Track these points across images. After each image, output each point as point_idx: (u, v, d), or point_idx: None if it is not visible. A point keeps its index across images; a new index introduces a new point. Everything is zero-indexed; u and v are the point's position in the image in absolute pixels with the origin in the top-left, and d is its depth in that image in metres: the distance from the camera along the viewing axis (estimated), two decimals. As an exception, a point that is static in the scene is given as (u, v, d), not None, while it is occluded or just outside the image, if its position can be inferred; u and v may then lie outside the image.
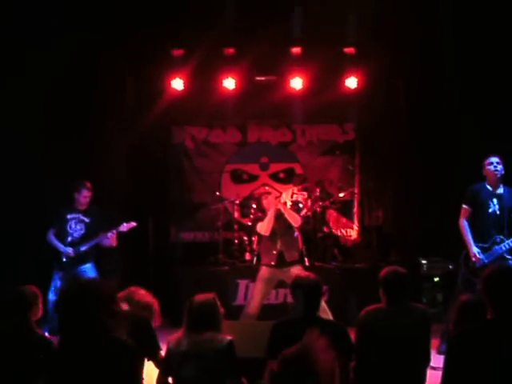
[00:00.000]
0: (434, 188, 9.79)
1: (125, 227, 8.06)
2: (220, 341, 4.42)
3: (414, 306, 4.83)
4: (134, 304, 4.77)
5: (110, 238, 8.03)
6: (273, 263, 7.57)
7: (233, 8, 9.24)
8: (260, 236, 8.02)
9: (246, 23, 9.31)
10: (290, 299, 4.87)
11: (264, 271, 7.61)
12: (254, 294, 7.71)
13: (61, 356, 3.62)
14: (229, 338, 4.46)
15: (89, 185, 8.20)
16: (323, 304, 7.10)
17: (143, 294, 4.91)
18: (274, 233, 7.65)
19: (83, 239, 8.09)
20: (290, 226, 7.69)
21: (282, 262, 7.55)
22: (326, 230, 10.50)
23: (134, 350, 3.59)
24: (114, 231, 8.00)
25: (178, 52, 9.73)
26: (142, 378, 4.06)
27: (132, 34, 9.12)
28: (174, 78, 9.89)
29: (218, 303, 4.60)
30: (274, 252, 7.60)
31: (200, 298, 4.59)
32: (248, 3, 9.22)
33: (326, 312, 6.99)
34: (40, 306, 4.70)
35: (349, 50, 9.78)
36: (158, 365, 4.67)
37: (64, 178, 8.64)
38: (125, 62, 9.65)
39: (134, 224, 8.15)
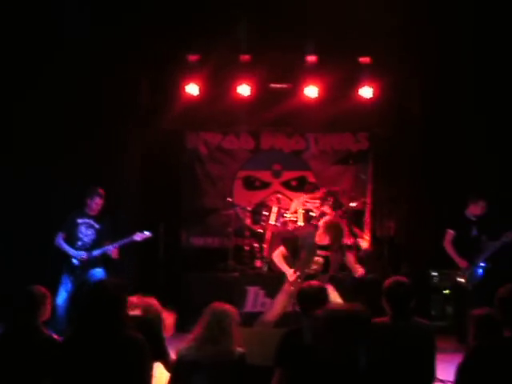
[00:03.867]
0: (446, 200, 9.75)
1: (138, 236, 8.06)
2: (233, 353, 4.41)
3: (418, 321, 4.77)
4: (146, 311, 4.76)
5: (112, 252, 8.03)
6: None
7: (248, 15, 9.26)
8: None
9: (262, 30, 9.33)
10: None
11: (289, 285, 7.51)
12: (276, 304, 7.65)
13: (72, 353, 3.76)
14: (241, 350, 4.45)
15: (102, 191, 8.24)
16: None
17: (157, 308, 4.88)
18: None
19: (94, 244, 8.11)
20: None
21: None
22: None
23: (146, 346, 3.68)
24: (116, 245, 7.99)
25: (193, 57, 9.73)
26: (152, 376, 4.04)
27: (147, 38, 9.15)
28: (189, 84, 9.88)
29: (236, 314, 4.59)
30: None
31: (219, 308, 4.57)
32: (264, 10, 9.22)
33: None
34: (48, 306, 4.70)
35: (364, 59, 9.76)
36: (167, 367, 4.64)
37: (76, 184, 8.69)
38: (139, 67, 9.68)
39: (148, 234, 8.15)
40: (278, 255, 7.58)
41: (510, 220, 8.26)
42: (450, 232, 8.40)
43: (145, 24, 8.94)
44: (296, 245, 7.56)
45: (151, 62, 9.69)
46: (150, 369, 3.96)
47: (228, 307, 4.60)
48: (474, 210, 8.36)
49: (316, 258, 7.42)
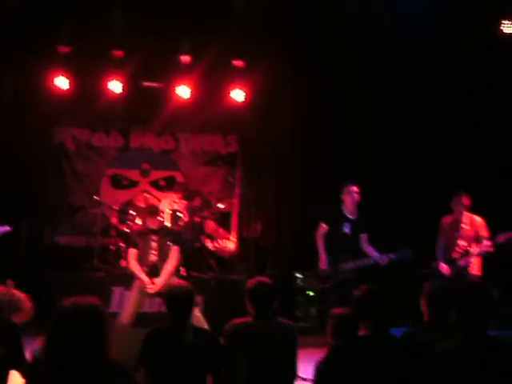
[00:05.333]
0: (311, 203, 10.01)
1: None
2: None
3: (281, 321, 4.85)
4: (4, 303, 4.57)
5: None
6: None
7: (121, 10, 9.14)
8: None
9: (136, 26, 9.23)
10: (164, 308, 4.80)
11: (139, 282, 7.48)
12: (128, 303, 7.59)
13: None
14: None
15: None
16: (198, 314, 7.09)
17: (12, 293, 4.70)
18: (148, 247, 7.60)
19: None
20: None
21: (155, 273, 7.47)
22: (203, 240, 10.50)
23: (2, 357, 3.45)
24: None
25: (64, 49, 9.45)
26: None
27: (15, 27, 8.83)
28: (58, 76, 9.59)
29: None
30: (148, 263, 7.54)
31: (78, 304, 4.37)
32: (139, 6, 9.14)
33: (201, 322, 6.98)
34: None
35: (237, 62, 9.86)
36: (23, 375, 4.46)
37: None
38: (5, 54, 9.28)
39: (8, 228, 7.85)
40: (131, 258, 7.59)
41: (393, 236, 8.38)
42: (323, 225, 8.03)
43: (16, 11, 8.63)
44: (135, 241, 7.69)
45: (20, 52, 9.33)
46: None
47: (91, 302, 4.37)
48: (348, 199, 7.96)
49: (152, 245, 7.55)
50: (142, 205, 10.11)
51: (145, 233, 7.68)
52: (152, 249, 7.55)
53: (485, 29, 8.89)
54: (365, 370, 3.74)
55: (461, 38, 8.93)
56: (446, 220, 8.14)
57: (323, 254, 7.93)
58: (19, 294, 4.74)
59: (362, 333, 3.95)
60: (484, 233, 7.83)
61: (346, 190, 7.97)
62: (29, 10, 8.72)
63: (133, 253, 7.57)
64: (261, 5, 9.00)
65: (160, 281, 7.33)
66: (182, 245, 7.85)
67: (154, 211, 7.76)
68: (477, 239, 7.84)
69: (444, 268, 7.89)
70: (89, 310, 3.21)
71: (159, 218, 7.83)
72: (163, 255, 7.51)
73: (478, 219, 7.95)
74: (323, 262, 7.92)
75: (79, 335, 3.15)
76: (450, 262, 7.90)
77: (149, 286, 7.34)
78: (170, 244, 7.53)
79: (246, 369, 4.63)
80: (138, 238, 7.68)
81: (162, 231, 7.68)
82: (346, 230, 7.96)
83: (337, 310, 4.73)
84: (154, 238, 7.57)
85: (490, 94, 9.46)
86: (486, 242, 7.70)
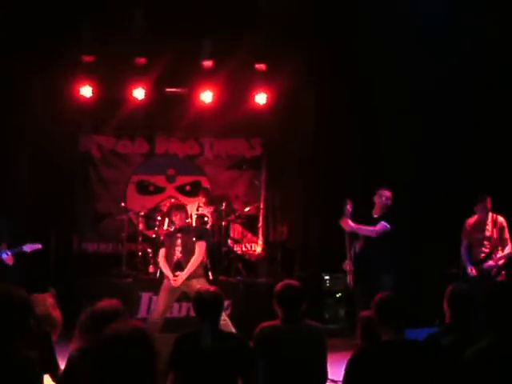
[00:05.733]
0: (338, 204, 9.98)
1: (28, 248, 7.81)
2: None
3: (309, 323, 4.82)
4: (41, 316, 4.61)
5: (6, 259, 7.72)
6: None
7: (142, 17, 9.20)
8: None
9: (158, 33, 9.28)
10: (192, 313, 4.82)
11: (167, 282, 7.55)
12: (158, 303, 7.68)
13: None
14: None
15: None
16: (226, 318, 7.10)
17: (45, 306, 4.74)
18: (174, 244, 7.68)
19: None
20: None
21: (180, 269, 7.50)
22: (230, 244, 10.53)
23: (35, 365, 3.45)
24: (10, 253, 7.72)
25: (88, 58, 9.56)
26: None
27: (41, 38, 8.93)
28: (84, 85, 9.71)
29: (125, 312, 4.43)
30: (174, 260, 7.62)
31: (104, 306, 4.40)
32: (158, 13, 9.19)
33: (228, 326, 7.00)
34: None
35: (260, 66, 9.88)
36: (55, 379, 4.52)
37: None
38: (32, 66, 9.39)
39: (38, 246, 7.91)
40: (160, 257, 7.75)
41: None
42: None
43: (40, 23, 8.72)
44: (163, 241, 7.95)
45: (45, 62, 9.43)
46: None
47: (114, 304, 4.41)
48: (378, 202, 7.82)
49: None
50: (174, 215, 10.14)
51: (171, 233, 7.82)
52: (177, 246, 7.65)
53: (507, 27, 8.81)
54: (390, 372, 3.73)
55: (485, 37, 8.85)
56: (470, 221, 8.16)
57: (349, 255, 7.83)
58: (56, 312, 4.77)
59: (384, 338, 3.94)
60: (507, 234, 7.86)
61: (378, 192, 7.88)
62: (53, 22, 8.80)
63: (162, 252, 7.75)
64: (282, 8, 8.99)
65: (183, 274, 7.43)
66: (207, 240, 7.94)
67: (179, 207, 7.99)
68: (501, 241, 7.87)
69: (471, 270, 7.90)
70: (135, 341, 2.82)
71: (185, 214, 7.89)
72: (187, 252, 7.57)
73: (501, 219, 7.96)
74: (349, 263, 7.80)
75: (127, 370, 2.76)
76: (476, 264, 7.92)
77: (173, 279, 7.44)
78: (195, 240, 7.60)
79: (274, 372, 4.63)
80: (165, 238, 7.86)
81: (186, 229, 7.76)
82: None
83: (366, 312, 4.72)
84: (179, 235, 7.67)
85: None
86: (508, 247, 7.80)
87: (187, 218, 8.02)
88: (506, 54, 9.07)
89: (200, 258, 7.59)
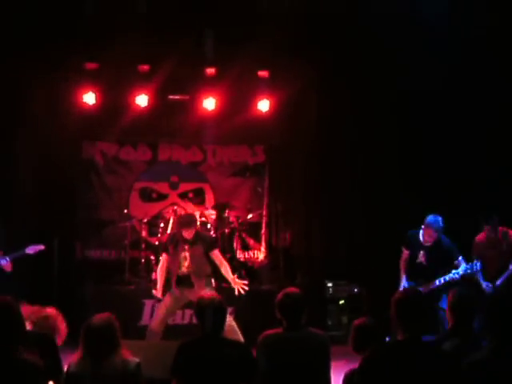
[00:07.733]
0: (340, 211, 9.99)
1: (31, 250, 7.80)
2: (127, 363, 4.28)
3: (312, 331, 4.82)
4: (38, 324, 4.62)
5: (5, 266, 7.71)
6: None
7: (144, 25, 9.23)
8: None
9: (161, 40, 9.31)
10: (195, 320, 4.82)
11: (175, 289, 7.52)
12: (159, 308, 7.65)
13: None
14: (136, 360, 4.34)
15: None
16: (233, 324, 7.11)
17: (47, 315, 4.75)
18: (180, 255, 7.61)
19: None
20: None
21: (188, 283, 7.49)
22: (233, 251, 10.51)
23: (40, 370, 3.48)
24: (9, 259, 7.70)
25: (91, 65, 9.60)
26: None
27: (44, 44, 8.95)
28: (87, 92, 9.73)
29: (116, 323, 4.44)
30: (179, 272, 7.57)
31: (97, 320, 4.42)
32: (160, 19, 9.22)
33: (235, 332, 7.00)
34: None
35: (262, 73, 9.90)
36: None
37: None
38: (34, 73, 9.41)
39: (41, 247, 7.92)
40: (161, 265, 7.75)
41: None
42: (405, 251, 7.64)
43: (43, 30, 8.74)
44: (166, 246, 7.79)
45: (48, 69, 9.46)
46: None
47: (106, 317, 4.42)
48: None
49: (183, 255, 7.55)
50: (172, 217, 10.13)
51: (176, 241, 7.64)
52: (183, 258, 7.54)
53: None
54: (403, 372, 3.70)
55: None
56: (479, 238, 7.99)
57: (403, 280, 7.57)
58: (60, 321, 4.78)
59: (400, 337, 3.91)
60: None
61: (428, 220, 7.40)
62: (56, 29, 8.83)
63: (163, 258, 7.70)
64: (285, 16, 9.02)
65: (232, 279, 7.55)
66: (217, 247, 7.91)
67: (188, 223, 7.62)
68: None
69: (486, 286, 7.76)
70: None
71: (194, 227, 7.69)
72: (196, 263, 7.50)
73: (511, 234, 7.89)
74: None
75: None
76: (489, 281, 7.79)
77: (155, 290, 7.56)
78: (207, 251, 7.53)
79: (277, 380, 4.63)
80: (169, 245, 7.69)
81: (195, 239, 7.58)
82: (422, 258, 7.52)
83: (358, 320, 4.72)
84: (186, 247, 7.54)
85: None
86: None
87: (196, 228, 7.83)
88: (506, 54, 9.06)
89: (226, 263, 7.63)
